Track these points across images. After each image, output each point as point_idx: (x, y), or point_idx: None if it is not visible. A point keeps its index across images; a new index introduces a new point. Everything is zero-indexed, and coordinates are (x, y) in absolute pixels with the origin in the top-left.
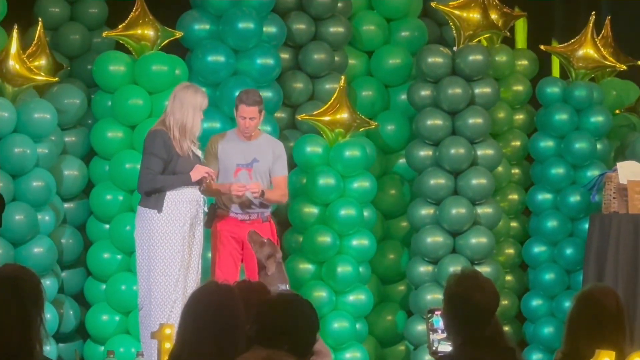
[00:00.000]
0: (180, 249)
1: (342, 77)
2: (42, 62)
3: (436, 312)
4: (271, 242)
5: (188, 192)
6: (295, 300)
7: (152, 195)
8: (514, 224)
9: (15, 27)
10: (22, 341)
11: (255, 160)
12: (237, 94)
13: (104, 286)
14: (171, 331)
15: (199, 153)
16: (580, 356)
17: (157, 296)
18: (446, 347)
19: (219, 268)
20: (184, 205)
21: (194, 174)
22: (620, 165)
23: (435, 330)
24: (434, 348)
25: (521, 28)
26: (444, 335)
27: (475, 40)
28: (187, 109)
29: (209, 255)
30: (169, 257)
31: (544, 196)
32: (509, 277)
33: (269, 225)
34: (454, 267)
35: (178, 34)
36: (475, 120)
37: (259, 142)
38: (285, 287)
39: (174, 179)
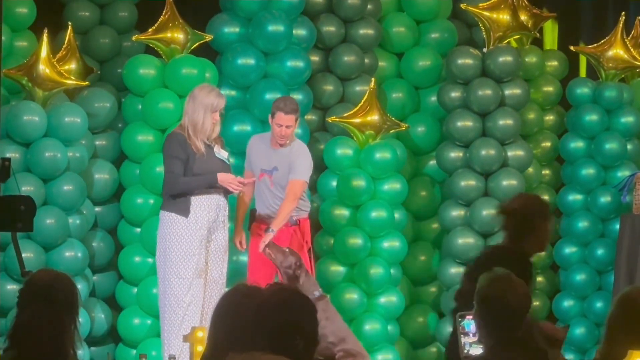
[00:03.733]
0: (196, 252)
1: (372, 79)
2: (72, 66)
3: (467, 317)
4: (292, 250)
5: (210, 197)
6: (292, 293)
7: (177, 199)
8: None
9: (45, 31)
10: (56, 347)
11: (275, 169)
12: (274, 100)
13: (135, 289)
14: (203, 334)
15: (225, 154)
16: (618, 357)
17: (171, 298)
18: (477, 350)
19: (250, 271)
20: (202, 209)
21: (221, 177)
22: None
23: (466, 334)
24: (465, 351)
25: (550, 29)
26: (475, 338)
27: (505, 42)
28: (198, 108)
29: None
30: (183, 259)
31: (574, 197)
32: (540, 278)
33: (298, 228)
34: None
35: (208, 37)
36: (505, 122)
37: (286, 151)
38: (318, 292)
39: (199, 180)
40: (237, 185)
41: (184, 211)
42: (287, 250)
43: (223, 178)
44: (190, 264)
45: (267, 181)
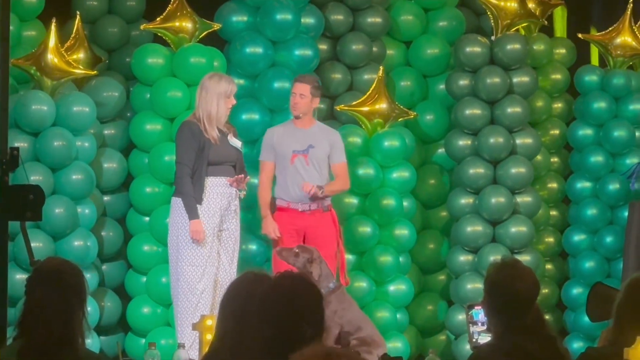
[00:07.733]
0: (208, 240)
1: (381, 68)
2: (81, 55)
3: (476, 307)
4: (302, 246)
5: (221, 184)
6: (296, 281)
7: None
8: (553, 212)
9: (54, 20)
10: (65, 334)
11: (310, 147)
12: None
13: (144, 279)
14: (212, 322)
15: (238, 143)
16: (625, 342)
17: (183, 285)
18: (486, 339)
19: (275, 261)
20: (214, 197)
21: (193, 226)
22: None
23: (475, 323)
24: (474, 340)
25: (560, 16)
26: (484, 327)
27: (513, 30)
28: (211, 98)
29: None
30: (195, 246)
31: (583, 184)
32: (549, 266)
33: (330, 214)
34: (494, 256)
35: (216, 26)
36: (513, 109)
37: (314, 130)
38: (333, 284)
39: (189, 202)
40: (197, 239)
41: (197, 198)
42: (297, 250)
43: (194, 228)
44: (203, 251)
45: (302, 161)
